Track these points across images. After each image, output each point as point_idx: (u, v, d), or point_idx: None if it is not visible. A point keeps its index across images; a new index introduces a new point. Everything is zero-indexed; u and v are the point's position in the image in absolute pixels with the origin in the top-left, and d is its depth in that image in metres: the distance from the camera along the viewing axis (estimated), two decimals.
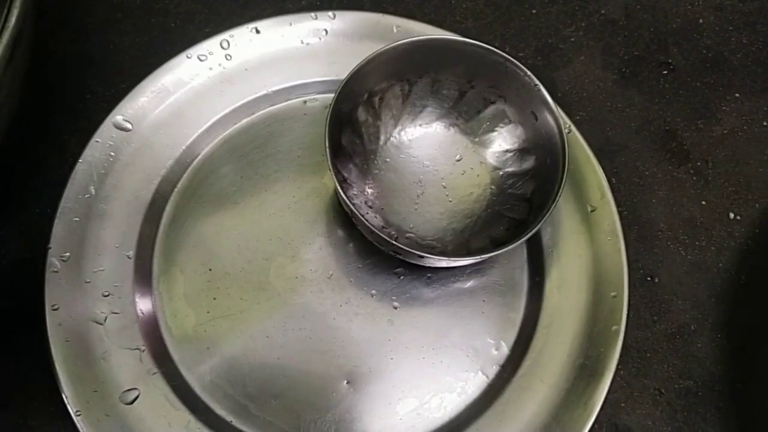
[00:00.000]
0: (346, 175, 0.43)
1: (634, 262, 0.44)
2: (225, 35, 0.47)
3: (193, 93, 0.46)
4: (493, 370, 0.41)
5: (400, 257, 0.40)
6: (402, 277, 0.43)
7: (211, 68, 0.47)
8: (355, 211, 0.38)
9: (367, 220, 0.38)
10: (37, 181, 0.46)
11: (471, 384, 0.40)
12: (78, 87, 0.49)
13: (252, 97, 0.47)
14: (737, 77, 0.52)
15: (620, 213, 0.43)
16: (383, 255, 0.43)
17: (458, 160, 0.46)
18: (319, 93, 0.48)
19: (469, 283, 0.43)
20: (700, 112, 0.50)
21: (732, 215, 0.47)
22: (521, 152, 0.43)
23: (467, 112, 0.45)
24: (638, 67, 0.52)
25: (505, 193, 0.44)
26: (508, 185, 0.44)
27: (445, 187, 0.45)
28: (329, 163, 0.38)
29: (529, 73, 0.41)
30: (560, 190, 0.38)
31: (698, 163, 0.49)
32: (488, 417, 0.39)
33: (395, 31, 0.48)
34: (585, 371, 0.39)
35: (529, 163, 0.43)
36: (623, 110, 0.50)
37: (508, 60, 0.41)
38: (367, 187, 0.44)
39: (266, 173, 0.46)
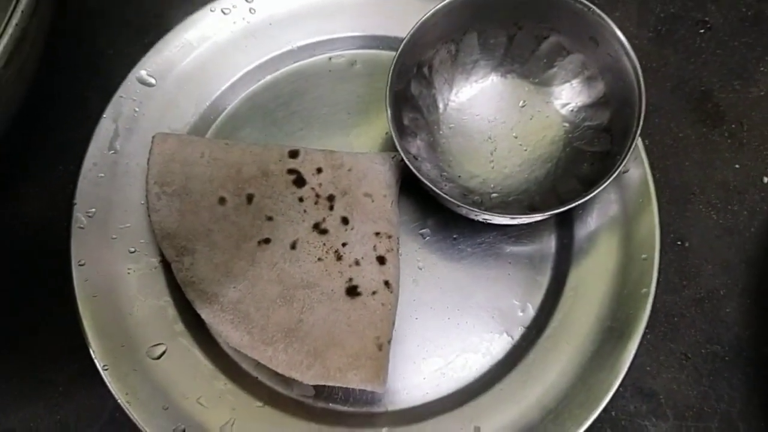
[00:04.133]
0: (414, 152, 0.42)
1: (666, 225, 0.43)
2: None
3: (217, 48, 0.45)
4: (518, 332, 0.41)
5: (490, 222, 0.40)
6: (427, 238, 0.43)
7: (234, 22, 0.46)
8: (438, 191, 0.38)
9: (447, 195, 0.38)
10: (60, 138, 0.46)
11: (496, 345, 0.40)
12: (100, 43, 0.49)
13: (276, 52, 0.46)
14: None
15: (653, 175, 0.42)
16: (408, 216, 0.43)
17: (523, 106, 0.44)
18: (344, 49, 0.47)
19: (496, 245, 0.42)
20: (737, 73, 0.49)
21: (766, 179, 0.46)
22: (588, 80, 0.42)
23: (521, 55, 0.44)
24: (674, 25, 0.50)
25: (581, 127, 0.42)
26: (582, 118, 0.43)
27: (516, 137, 0.44)
28: (399, 147, 0.38)
29: None
30: (642, 112, 0.37)
31: (733, 126, 0.47)
32: (513, 377, 0.39)
33: None
34: (612, 333, 0.39)
35: (598, 89, 0.42)
36: (658, 70, 0.48)
37: None
38: (438, 159, 0.43)
39: (291, 131, 0.45)
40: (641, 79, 0.38)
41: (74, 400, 0.40)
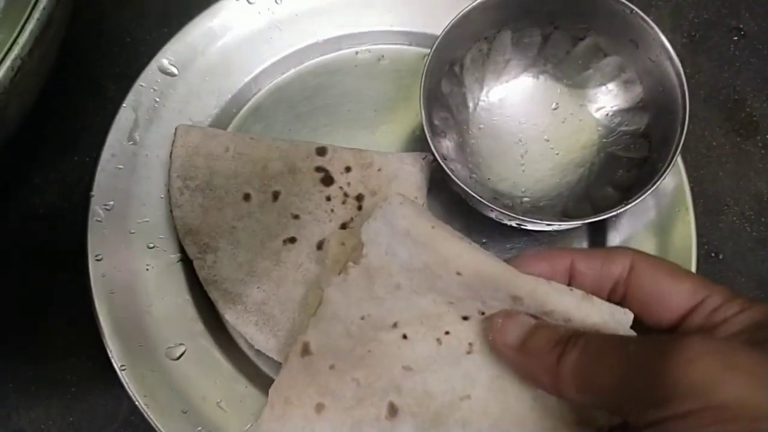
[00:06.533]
0: (443, 153, 0.40)
1: (699, 236, 0.42)
2: None
3: (241, 38, 0.44)
4: None
5: (522, 227, 0.38)
6: None
7: (259, 12, 0.44)
8: (472, 193, 0.36)
9: (481, 198, 0.36)
10: (74, 126, 0.44)
11: None
12: (117, 30, 0.47)
13: (301, 45, 0.44)
14: None
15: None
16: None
17: (555, 109, 0.43)
18: (371, 44, 0.45)
19: (526, 250, 0.41)
20: None
21: None
22: (625, 84, 0.41)
23: (555, 56, 0.42)
24: (708, 32, 0.49)
25: (617, 132, 0.41)
26: (617, 123, 0.41)
27: (548, 141, 0.42)
28: (433, 148, 0.37)
29: None
30: (686, 119, 0.36)
31: (767, 136, 0.46)
32: None
33: None
34: None
35: (636, 94, 0.40)
36: (692, 76, 0.47)
37: None
38: (468, 160, 0.42)
39: (315, 126, 0.44)
40: (685, 85, 0.37)
41: (87, 401, 0.39)
